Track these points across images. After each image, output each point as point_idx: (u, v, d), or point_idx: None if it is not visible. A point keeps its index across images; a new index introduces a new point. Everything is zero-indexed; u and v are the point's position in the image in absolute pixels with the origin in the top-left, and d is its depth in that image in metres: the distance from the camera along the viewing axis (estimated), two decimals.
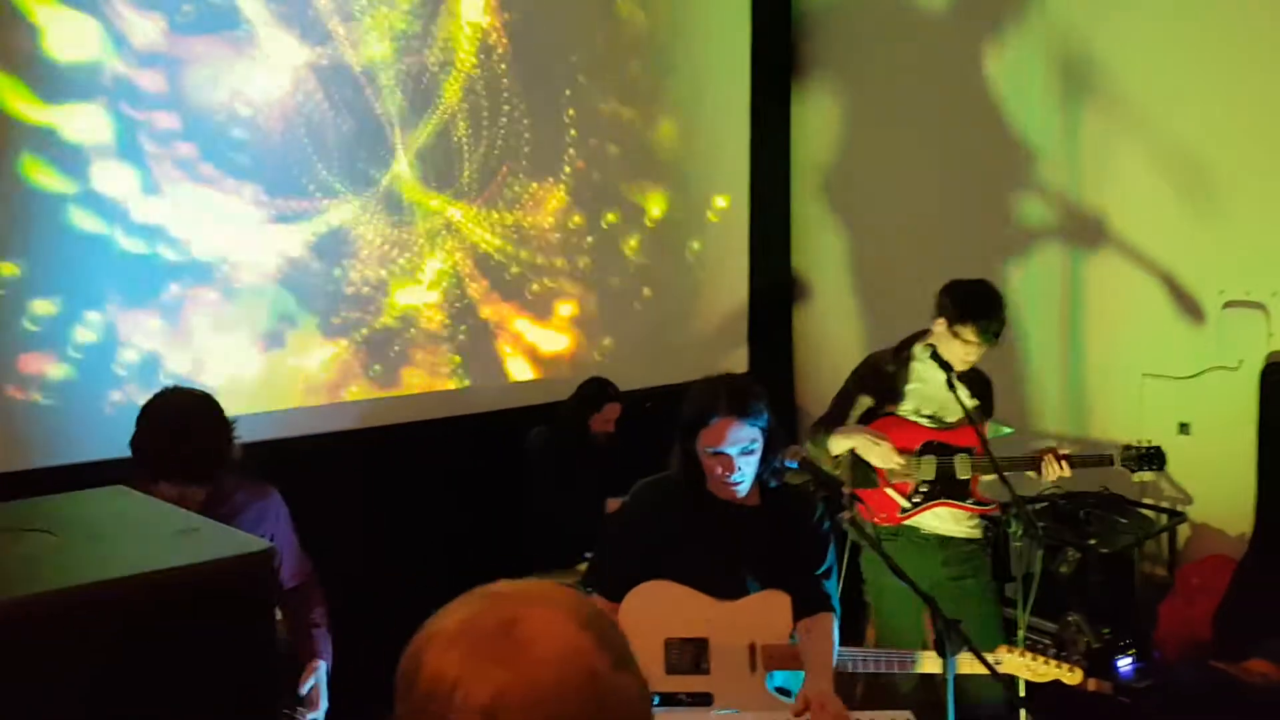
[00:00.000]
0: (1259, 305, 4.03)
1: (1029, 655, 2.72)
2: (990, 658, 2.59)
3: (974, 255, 5.00)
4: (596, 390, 4.48)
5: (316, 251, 4.20)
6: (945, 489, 3.42)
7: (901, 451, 3.37)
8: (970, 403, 3.34)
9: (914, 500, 3.43)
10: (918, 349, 3.40)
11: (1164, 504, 4.28)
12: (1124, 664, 3.83)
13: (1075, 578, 4.00)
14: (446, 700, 0.84)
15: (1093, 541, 4.01)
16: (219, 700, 1.22)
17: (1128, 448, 3.42)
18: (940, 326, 3.32)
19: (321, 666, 2.68)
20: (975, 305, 3.27)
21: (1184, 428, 4.22)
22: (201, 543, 1.23)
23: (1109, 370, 4.52)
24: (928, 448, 3.42)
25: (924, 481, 3.41)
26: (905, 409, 3.45)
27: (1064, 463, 3.27)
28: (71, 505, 1.36)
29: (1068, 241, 4.65)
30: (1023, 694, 2.87)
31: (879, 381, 3.48)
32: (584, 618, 0.90)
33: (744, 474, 2.52)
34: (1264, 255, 4.01)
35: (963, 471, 3.37)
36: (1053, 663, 2.72)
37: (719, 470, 2.52)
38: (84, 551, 1.21)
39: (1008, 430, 3.56)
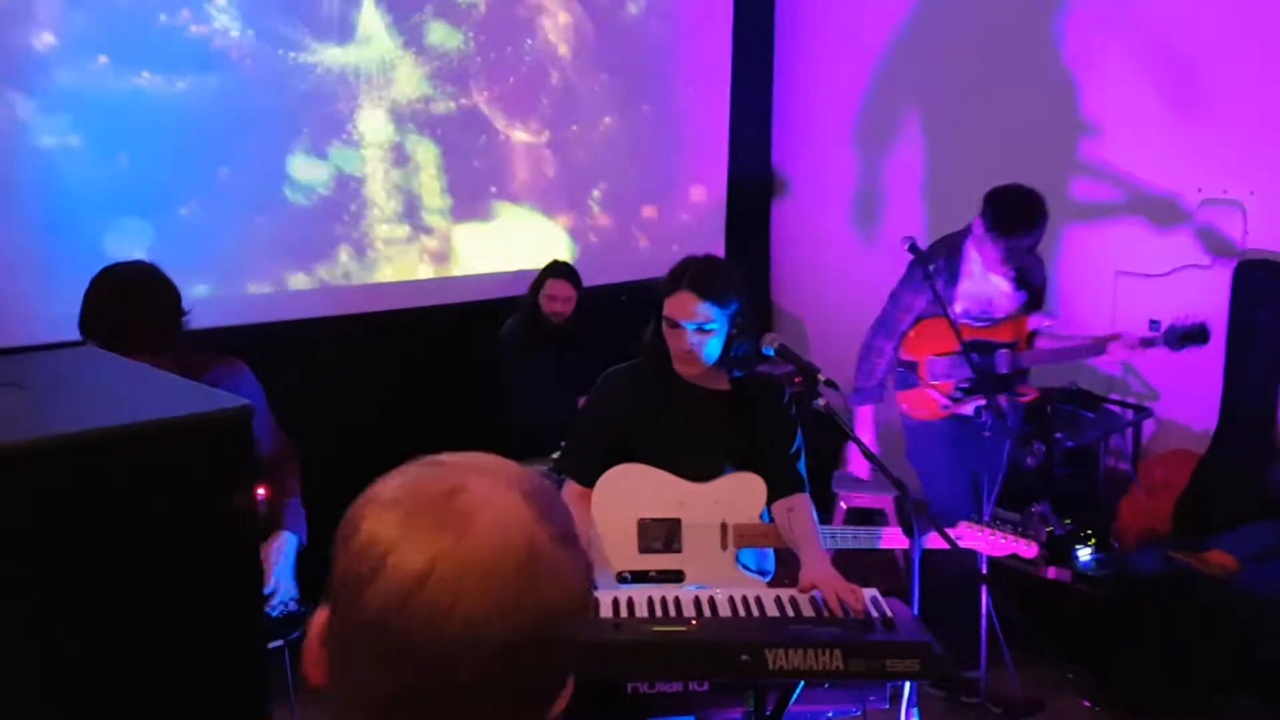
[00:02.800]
0: (1236, 204, 4.03)
1: (987, 530, 2.80)
2: (950, 533, 2.66)
3: (952, 154, 4.97)
4: (544, 270, 4.47)
5: None
6: (985, 385, 3.49)
7: (942, 355, 3.53)
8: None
9: (956, 397, 3.55)
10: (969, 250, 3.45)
11: (1130, 399, 4.34)
12: (1084, 554, 3.93)
13: (1041, 470, 4.07)
14: (379, 563, 0.83)
15: (1059, 435, 4.08)
16: (200, 558, 1.21)
17: (1173, 326, 3.45)
18: (980, 229, 3.39)
19: (286, 537, 2.62)
20: (1019, 220, 3.33)
21: (1155, 325, 4.26)
22: (177, 399, 1.21)
23: (1083, 266, 4.53)
24: (969, 347, 3.48)
25: (965, 379, 3.52)
26: (953, 311, 3.50)
27: (1136, 346, 3.38)
28: (43, 362, 1.34)
29: (1046, 138, 4.61)
30: (985, 572, 2.95)
31: (930, 284, 3.48)
32: (528, 490, 0.88)
33: (697, 349, 2.54)
34: (1243, 154, 4.00)
35: (1002, 367, 3.48)
36: (1010, 536, 2.79)
37: (673, 342, 2.55)
38: (57, 405, 1.18)
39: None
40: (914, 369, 3.58)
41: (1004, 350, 3.49)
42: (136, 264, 2.47)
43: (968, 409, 3.59)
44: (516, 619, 0.82)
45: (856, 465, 3.73)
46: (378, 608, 0.82)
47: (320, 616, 0.89)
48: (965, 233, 3.50)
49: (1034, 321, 3.56)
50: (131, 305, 2.33)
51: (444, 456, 0.93)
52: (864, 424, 3.67)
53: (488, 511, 0.85)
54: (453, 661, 0.82)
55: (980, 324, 3.54)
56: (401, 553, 0.83)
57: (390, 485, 0.88)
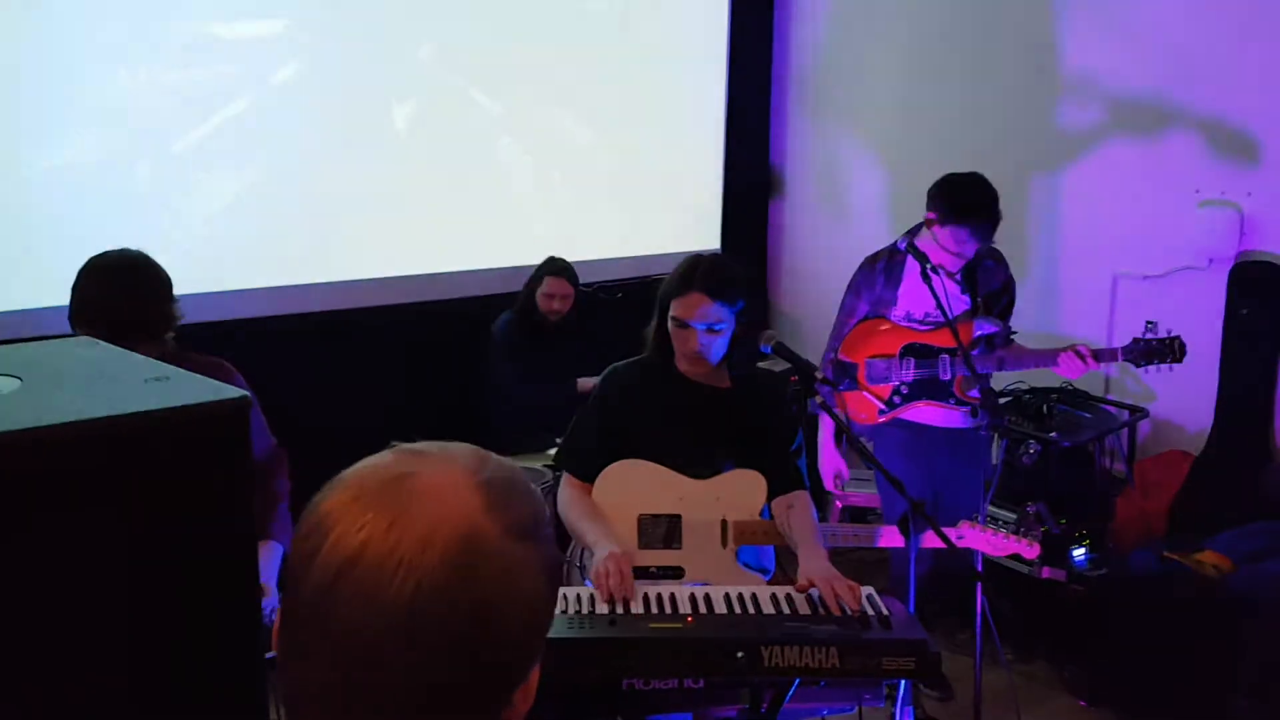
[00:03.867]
0: (1234, 205, 4.03)
1: (989, 530, 2.80)
2: (951, 534, 2.66)
3: (949, 152, 4.97)
4: (540, 266, 4.46)
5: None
6: (926, 390, 3.47)
7: (880, 356, 3.46)
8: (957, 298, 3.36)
9: (894, 402, 3.48)
10: (908, 245, 3.39)
11: (1127, 400, 4.35)
12: (1078, 553, 3.93)
13: (1036, 470, 4.07)
14: (322, 539, 0.81)
15: (1054, 435, 4.08)
16: (195, 550, 1.20)
17: (1138, 340, 3.38)
18: (936, 218, 3.31)
19: (272, 546, 2.55)
20: (968, 202, 3.26)
21: (1151, 326, 4.26)
22: (174, 389, 1.20)
23: (1081, 268, 4.54)
24: (909, 350, 3.46)
25: (904, 383, 3.46)
26: (896, 314, 3.48)
27: (1088, 358, 3.28)
28: (37, 352, 1.33)
29: (1043, 140, 4.61)
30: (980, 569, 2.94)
31: (871, 288, 3.50)
32: (483, 479, 0.85)
33: (706, 350, 2.54)
34: (1241, 156, 4.00)
35: (945, 372, 3.41)
36: (1011, 537, 2.79)
37: (681, 343, 2.54)
38: (50, 395, 1.17)
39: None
40: (852, 371, 3.50)
41: (945, 355, 3.41)
42: (125, 251, 2.42)
43: (910, 414, 3.51)
44: (442, 611, 0.79)
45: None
46: (311, 588, 0.81)
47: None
48: (911, 233, 3.43)
49: (980, 327, 3.44)
50: (123, 290, 2.28)
51: (418, 444, 0.90)
52: (826, 433, 3.63)
53: (429, 497, 0.82)
54: (378, 651, 0.78)
55: (923, 327, 3.47)
56: (339, 532, 0.81)
57: (354, 468, 0.87)
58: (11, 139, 3.58)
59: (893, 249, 3.50)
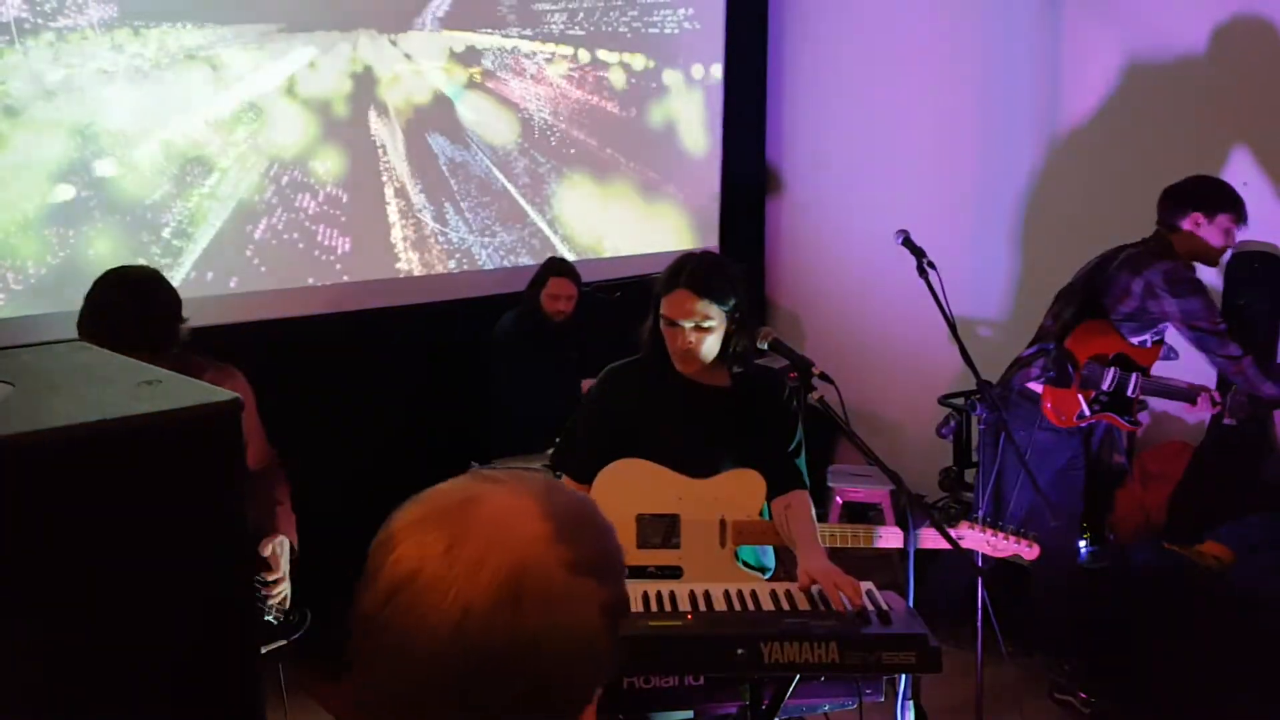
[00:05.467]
0: None
1: (989, 531, 2.78)
2: (951, 533, 2.65)
3: (947, 149, 4.97)
4: (543, 267, 4.45)
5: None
6: (1114, 405, 3.51)
7: (1095, 358, 3.50)
8: None
9: (1092, 408, 3.52)
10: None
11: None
12: (1079, 546, 3.92)
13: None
14: (385, 557, 0.83)
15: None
16: (188, 553, 1.20)
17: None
18: (1189, 224, 3.44)
19: (283, 539, 2.64)
20: (1226, 193, 3.43)
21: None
22: (165, 393, 1.20)
23: (1076, 262, 4.52)
24: (1116, 360, 3.50)
25: (1103, 392, 3.49)
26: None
27: (1217, 404, 3.41)
28: (30, 357, 1.33)
29: (1041, 133, 4.61)
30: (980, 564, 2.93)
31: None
32: (551, 509, 0.85)
33: (695, 348, 2.52)
34: (1236, 145, 4.00)
35: (1133, 389, 3.48)
36: (1011, 538, 2.78)
37: (672, 341, 2.54)
38: (43, 400, 1.17)
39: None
40: (1075, 363, 3.50)
41: (1138, 373, 3.48)
42: (141, 268, 2.57)
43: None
44: (487, 637, 0.79)
45: None
46: (372, 602, 0.82)
47: None
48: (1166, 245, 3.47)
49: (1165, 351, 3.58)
50: (136, 304, 2.38)
51: (495, 469, 0.91)
52: None
53: (491, 523, 0.83)
54: (428, 671, 0.79)
55: (1138, 341, 3.52)
56: (401, 551, 0.82)
57: (430, 489, 0.88)
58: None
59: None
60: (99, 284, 2.44)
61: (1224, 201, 3.45)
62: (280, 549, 2.61)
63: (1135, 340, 3.51)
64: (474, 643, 0.79)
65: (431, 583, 0.80)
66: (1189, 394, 3.47)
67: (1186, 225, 3.48)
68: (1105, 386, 3.48)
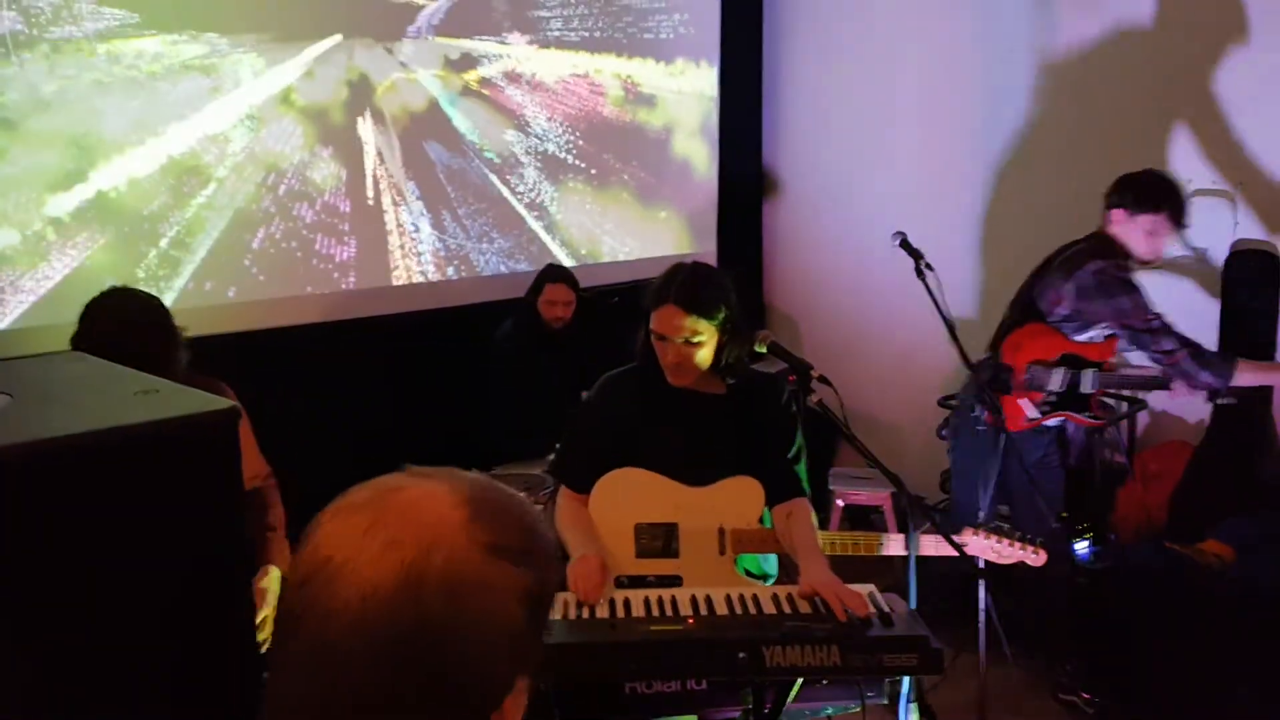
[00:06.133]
0: (1227, 194, 4.04)
1: (993, 537, 2.76)
2: (955, 539, 2.65)
3: (944, 151, 4.98)
4: (540, 274, 4.45)
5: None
6: (1069, 403, 3.48)
7: (1037, 362, 3.46)
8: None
9: (1042, 409, 3.49)
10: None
11: (1125, 392, 4.34)
12: (1081, 546, 3.92)
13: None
14: (303, 547, 0.82)
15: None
16: (187, 559, 1.20)
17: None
18: (1115, 220, 3.39)
19: (273, 572, 2.56)
20: (1166, 192, 3.35)
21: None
22: (162, 402, 1.20)
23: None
24: (1063, 359, 3.46)
25: (1052, 393, 3.46)
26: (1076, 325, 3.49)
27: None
28: (27, 368, 1.33)
29: (1038, 133, 4.62)
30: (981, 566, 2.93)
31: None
32: (470, 495, 0.83)
33: (686, 362, 2.51)
34: (1233, 144, 4.01)
35: (1086, 386, 3.44)
36: (1017, 544, 2.76)
37: (662, 355, 2.53)
38: (41, 410, 1.17)
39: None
40: (1011, 369, 3.49)
41: (1093, 370, 3.44)
42: (136, 292, 2.44)
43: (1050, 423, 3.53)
44: (389, 618, 0.77)
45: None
46: (287, 594, 0.81)
47: None
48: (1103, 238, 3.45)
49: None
50: (129, 337, 2.26)
51: (427, 468, 0.90)
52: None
53: (406, 506, 0.82)
54: (333, 658, 0.78)
55: (1084, 339, 3.48)
56: (318, 539, 0.82)
57: (363, 482, 0.87)
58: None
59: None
60: (93, 307, 2.32)
61: (1150, 200, 3.36)
62: (271, 583, 2.53)
63: (1080, 338, 3.47)
64: (377, 625, 0.77)
65: (342, 565, 0.79)
66: (1159, 382, 3.39)
67: (1113, 221, 3.44)
68: (1054, 388, 3.45)
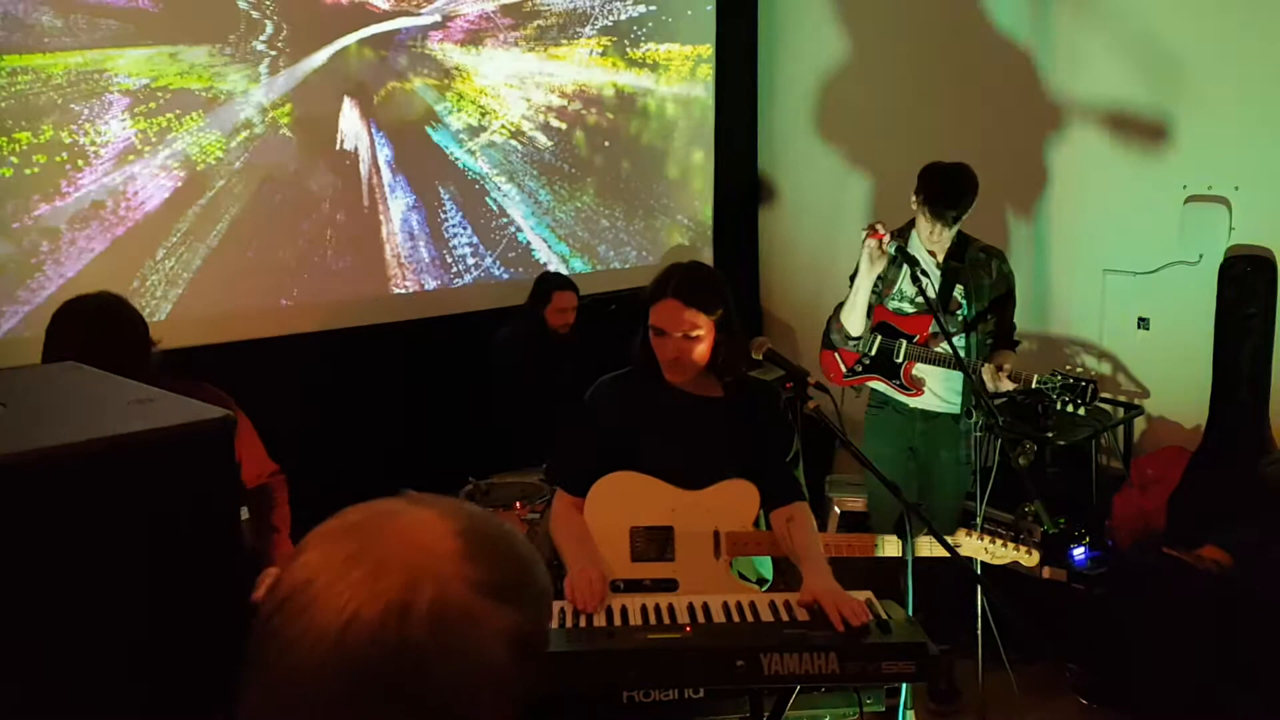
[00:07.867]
0: (1221, 199, 4.04)
1: (987, 538, 2.77)
2: (949, 540, 2.64)
3: (940, 155, 4.97)
4: (543, 282, 4.45)
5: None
6: (878, 367, 3.71)
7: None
8: (930, 292, 3.49)
9: (856, 369, 3.75)
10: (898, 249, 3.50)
11: (1121, 398, 4.35)
12: (1078, 552, 3.92)
13: (1032, 470, 4.07)
14: (289, 564, 0.80)
15: (1050, 434, 4.07)
16: (183, 568, 1.20)
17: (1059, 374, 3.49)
18: (914, 203, 3.57)
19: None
20: (937, 186, 3.53)
21: (1143, 322, 4.28)
22: (157, 411, 1.20)
23: (1071, 266, 4.54)
24: (879, 327, 3.68)
25: (866, 355, 3.71)
26: (890, 297, 3.69)
27: (1007, 379, 3.46)
28: (22, 378, 1.32)
29: (1033, 137, 4.62)
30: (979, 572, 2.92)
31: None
32: (465, 528, 0.80)
33: (685, 357, 2.53)
34: (1227, 149, 4.01)
35: (898, 355, 3.66)
36: (1010, 545, 2.76)
37: (661, 351, 2.55)
38: (35, 420, 1.17)
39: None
40: (838, 329, 3.73)
41: (904, 340, 3.64)
42: (101, 295, 2.38)
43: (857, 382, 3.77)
44: (370, 646, 0.74)
45: None
46: (265, 609, 0.79)
47: None
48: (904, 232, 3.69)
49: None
50: (101, 336, 2.23)
51: (428, 495, 0.87)
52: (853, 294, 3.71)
53: (398, 534, 0.79)
54: (300, 682, 0.75)
55: (893, 308, 3.70)
56: (304, 559, 0.80)
57: (356, 505, 0.85)
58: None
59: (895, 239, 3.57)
60: (59, 316, 2.29)
61: (922, 185, 3.57)
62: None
63: (890, 307, 3.69)
64: (356, 654, 0.74)
65: (324, 589, 0.76)
66: (963, 365, 3.37)
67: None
68: (842, 338, 3.71)
